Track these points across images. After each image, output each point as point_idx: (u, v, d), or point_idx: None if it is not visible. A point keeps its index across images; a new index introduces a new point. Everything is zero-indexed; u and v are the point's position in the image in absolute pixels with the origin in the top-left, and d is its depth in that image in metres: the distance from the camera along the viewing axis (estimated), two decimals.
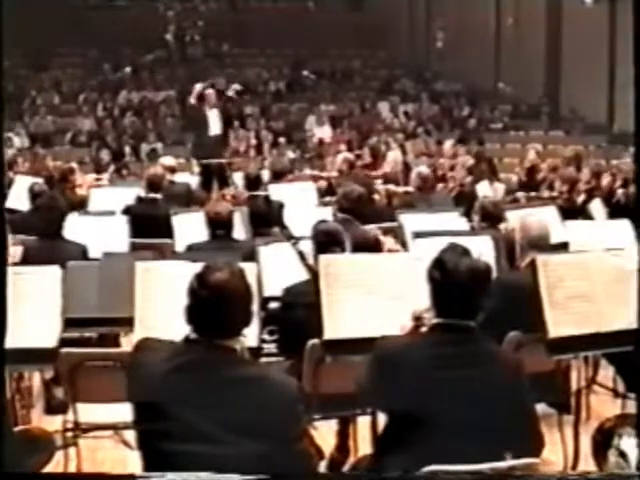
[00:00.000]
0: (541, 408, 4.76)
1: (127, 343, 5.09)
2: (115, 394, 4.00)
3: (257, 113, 20.90)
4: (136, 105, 21.59)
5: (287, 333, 5.01)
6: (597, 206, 8.96)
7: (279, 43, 24.72)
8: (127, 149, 18.58)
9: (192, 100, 13.72)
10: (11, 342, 3.64)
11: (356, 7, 27.51)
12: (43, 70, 23.46)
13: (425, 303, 3.54)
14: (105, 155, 17.49)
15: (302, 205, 8.68)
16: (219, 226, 6.53)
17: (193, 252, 6.34)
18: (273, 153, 18.23)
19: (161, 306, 4.38)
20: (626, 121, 19.03)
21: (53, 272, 4.81)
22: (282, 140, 19.26)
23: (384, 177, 12.47)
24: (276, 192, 9.12)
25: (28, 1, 20.05)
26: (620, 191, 11.24)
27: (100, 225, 7.31)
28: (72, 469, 4.76)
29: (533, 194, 11.28)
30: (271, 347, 5.06)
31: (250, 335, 3.42)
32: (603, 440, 3.75)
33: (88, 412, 4.69)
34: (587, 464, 4.12)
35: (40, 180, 9.66)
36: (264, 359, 4.67)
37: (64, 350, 4.66)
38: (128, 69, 23.68)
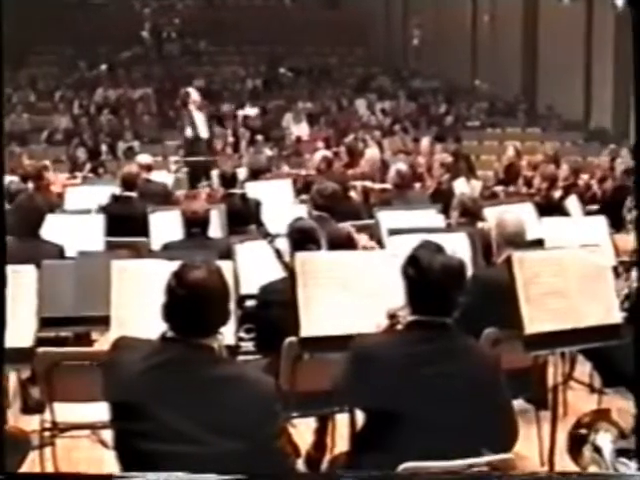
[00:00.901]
0: (518, 404, 4.78)
1: (103, 342, 5.07)
2: (92, 393, 3.98)
3: (234, 111, 20.85)
4: (113, 103, 21.49)
5: (264, 331, 5.01)
6: (573, 202, 9.01)
7: (256, 40, 24.67)
8: (104, 147, 18.49)
9: (189, 106, 13.77)
10: None
11: (333, 4, 27.52)
12: (19, 68, 23.32)
13: (402, 300, 3.55)
14: (81, 153, 17.38)
15: (279, 203, 8.68)
16: (195, 224, 6.51)
17: (169, 250, 6.32)
18: (250, 151, 18.19)
19: (137, 305, 4.36)
20: (602, 118, 19.16)
21: (28, 271, 4.78)
22: (259, 138, 19.23)
23: (361, 175, 12.46)
24: (253, 190, 9.11)
25: None
26: (597, 187, 11.33)
27: (75, 224, 7.27)
28: (48, 469, 4.74)
29: (512, 189, 11.32)
30: (248, 345, 5.06)
31: (227, 333, 3.41)
32: (579, 435, 3.76)
33: (65, 412, 4.68)
34: (563, 459, 4.14)
35: (16, 179, 9.60)
36: (241, 357, 4.67)
37: (40, 349, 4.64)
38: (104, 67, 23.57)
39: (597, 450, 3.66)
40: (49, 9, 24.18)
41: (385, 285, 4.31)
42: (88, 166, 16.19)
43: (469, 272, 4.48)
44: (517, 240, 5.39)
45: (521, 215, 6.01)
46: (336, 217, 7.21)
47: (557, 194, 9.62)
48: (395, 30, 26.85)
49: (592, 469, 3.67)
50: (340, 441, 4.69)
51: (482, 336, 4.73)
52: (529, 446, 5.06)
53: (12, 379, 5.86)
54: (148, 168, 10.37)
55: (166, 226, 7.16)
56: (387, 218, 7.25)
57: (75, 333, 5.61)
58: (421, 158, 13.67)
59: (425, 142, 14.59)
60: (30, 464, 4.26)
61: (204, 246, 6.21)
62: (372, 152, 13.64)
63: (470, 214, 6.87)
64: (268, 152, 17.26)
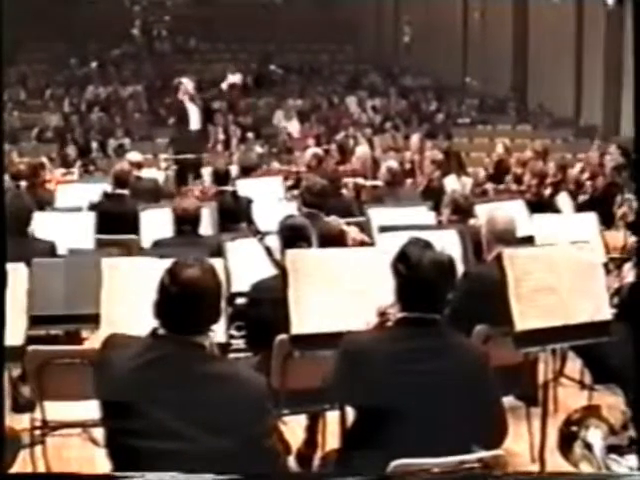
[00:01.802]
0: (509, 401, 4.79)
1: (94, 340, 5.06)
2: (83, 391, 3.98)
3: (225, 108, 20.82)
4: (103, 100, 21.46)
5: (255, 329, 5.01)
6: (564, 199, 9.03)
7: (247, 38, 24.65)
8: (94, 145, 18.46)
9: (180, 95, 13.68)
10: None
11: (323, 2, 27.49)
12: (9, 65, 23.25)
13: (392, 297, 3.55)
14: (72, 151, 17.36)
15: (269, 200, 8.67)
16: (186, 222, 6.50)
17: (159, 248, 6.31)
18: (241, 148, 18.18)
19: (128, 303, 4.35)
20: (592, 115, 19.20)
21: (18, 269, 4.77)
22: (250, 135, 19.22)
23: (352, 172, 12.48)
24: (243, 187, 9.10)
25: None
26: (588, 184, 11.35)
27: (67, 221, 7.26)
28: (40, 468, 4.74)
29: (502, 187, 11.34)
30: (239, 343, 5.06)
31: (218, 331, 3.41)
32: (570, 432, 3.77)
33: (56, 410, 4.67)
34: (553, 456, 4.14)
35: (5, 177, 9.57)
36: (232, 355, 4.67)
37: (31, 348, 4.63)
38: (95, 64, 23.51)
39: (587, 446, 3.67)
40: (39, 6, 24.12)
41: (375, 282, 4.31)
42: (78, 164, 16.15)
43: (460, 269, 4.50)
44: (507, 237, 5.39)
45: (512, 212, 6.02)
46: (326, 213, 7.21)
47: (547, 192, 9.64)
48: (386, 27, 26.85)
49: (583, 465, 3.68)
50: (331, 438, 4.69)
51: (473, 333, 4.74)
52: (520, 443, 5.07)
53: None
54: (138, 166, 10.35)
55: (157, 224, 7.14)
56: (378, 215, 7.25)
57: (65, 331, 5.60)
58: (411, 155, 13.69)
59: (414, 139, 14.62)
60: (21, 463, 4.25)
61: (195, 244, 6.20)
62: (362, 149, 13.68)
63: (462, 211, 6.88)
64: (259, 149, 17.26)
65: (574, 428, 3.76)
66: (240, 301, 5.33)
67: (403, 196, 9.07)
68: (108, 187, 8.69)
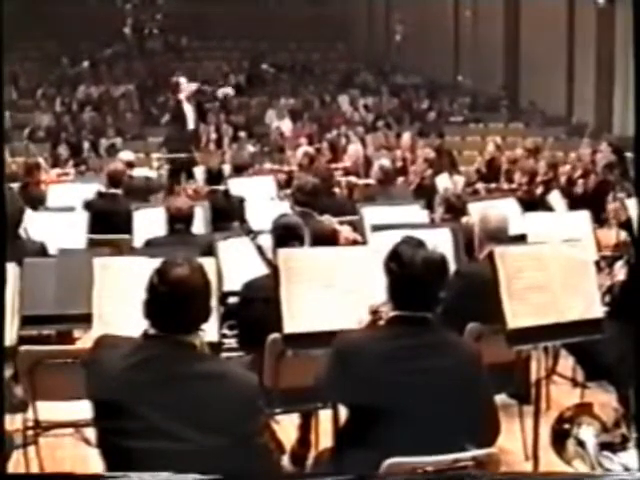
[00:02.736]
0: (501, 399, 4.80)
1: (86, 340, 5.05)
2: (75, 391, 3.96)
3: (217, 107, 20.80)
4: (95, 100, 21.42)
5: (247, 328, 5.01)
6: (556, 197, 9.04)
7: (238, 36, 24.67)
8: (86, 144, 18.43)
9: (182, 96, 13.67)
10: None
11: (315, 0, 27.48)
12: None
13: (384, 296, 3.55)
14: (64, 150, 17.33)
15: (261, 199, 8.67)
16: (179, 221, 6.50)
17: (151, 247, 6.30)
18: (233, 147, 18.17)
19: (119, 302, 4.34)
20: (584, 113, 19.22)
21: (9, 269, 4.75)
22: (242, 134, 19.20)
23: (345, 170, 12.48)
24: (235, 186, 9.10)
25: None
26: (580, 181, 11.37)
27: (58, 221, 7.24)
28: (33, 468, 4.73)
29: (493, 186, 11.35)
30: (232, 342, 5.05)
31: (210, 330, 3.40)
32: (562, 429, 3.77)
33: (48, 410, 4.66)
34: (547, 454, 4.15)
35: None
36: (225, 354, 4.66)
37: (22, 348, 4.61)
38: (86, 63, 23.47)
39: (580, 444, 3.67)
40: (31, 4, 24.07)
41: (368, 281, 4.31)
42: (70, 163, 16.12)
43: (452, 267, 4.50)
44: (500, 235, 5.40)
45: (504, 210, 6.03)
46: (320, 213, 7.21)
47: (539, 190, 9.65)
48: (377, 26, 26.87)
49: (576, 463, 3.68)
50: (324, 437, 4.69)
51: (465, 331, 4.75)
52: (513, 441, 5.08)
53: None
54: (130, 165, 10.35)
55: (150, 223, 7.13)
56: (371, 214, 7.25)
57: (57, 331, 5.58)
58: (403, 153, 13.69)
59: (406, 137, 14.61)
60: (15, 463, 4.25)
61: (187, 243, 6.19)
62: (355, 148, 13.66)
63: (454, 210, 6.88)
64: (251, 148, 17.25)
65: (567, 426, 3.76)
66: (232, 300, 5.33)
67: (395, 194, 9.07)
68: (100, 187, 8.68)
